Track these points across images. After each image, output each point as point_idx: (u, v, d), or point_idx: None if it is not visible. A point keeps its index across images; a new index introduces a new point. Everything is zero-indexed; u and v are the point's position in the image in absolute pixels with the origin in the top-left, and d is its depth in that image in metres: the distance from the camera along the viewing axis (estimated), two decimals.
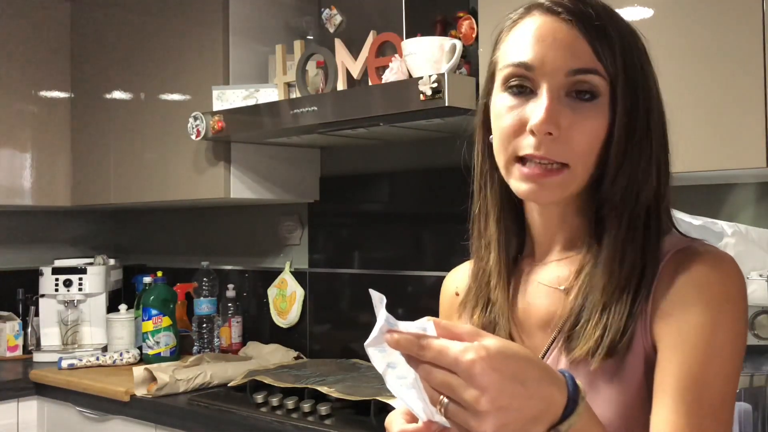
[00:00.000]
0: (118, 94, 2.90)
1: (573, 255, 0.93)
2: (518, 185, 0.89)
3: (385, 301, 0.71)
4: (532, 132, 0.86)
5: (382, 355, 0.74)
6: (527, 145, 0.87)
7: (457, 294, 1.05)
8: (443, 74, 1.75)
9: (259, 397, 2.09)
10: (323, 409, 1.96)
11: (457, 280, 1.08)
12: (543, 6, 0.89)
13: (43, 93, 3.03)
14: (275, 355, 2.63)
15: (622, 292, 0.85)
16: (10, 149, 2.95)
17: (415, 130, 2.18)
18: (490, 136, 0.94)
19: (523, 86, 0.88)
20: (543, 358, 0.90)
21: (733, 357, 0.85)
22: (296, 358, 2.65)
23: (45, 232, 3.39)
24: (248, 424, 2.00)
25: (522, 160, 0.88)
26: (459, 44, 1.86)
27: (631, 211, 0.88)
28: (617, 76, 0.86)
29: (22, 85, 2.97)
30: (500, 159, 0.91)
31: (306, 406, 1.98)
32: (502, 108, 0.89)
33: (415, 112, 1.86)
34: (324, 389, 2.01)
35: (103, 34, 2.95)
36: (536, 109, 0.86)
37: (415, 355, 0.68)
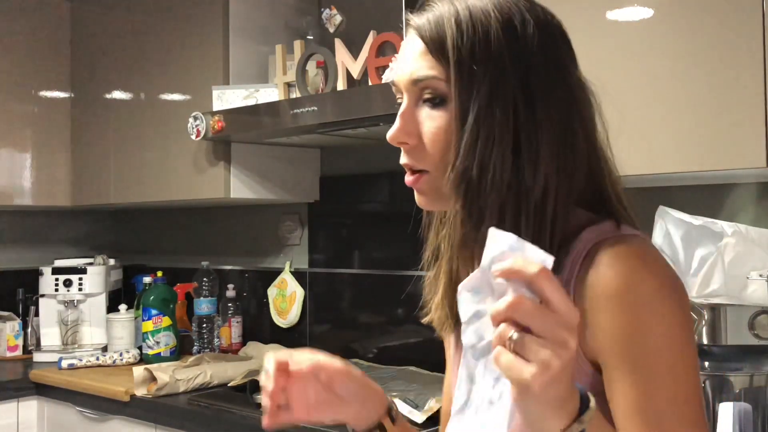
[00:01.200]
0: (118, 94, 2.90)
1: None
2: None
3: (509, 237, 0.67)
4: None
5: (476, 299, 0.70)
6: (402, 155, 0.92)
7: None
8: None
9: (259, 397, 2.08)
10: None
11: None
12: (407, 21, 0.93)
13: (43, 93, 3.03)
14: None
15: None
16: (10, 149, 2.95)
17: None
18: None
19: (401, 99, 0.92)
20: None
21: (677, 357, 0.79)
22: None
23: (45, 232, 3.39)
24: (248, 424, 2.00)
25: None
26: None
27: (474, 206, 0.85)
28: (451, 75, 0.86)
29: (22, 85, 2.97)
30: None
31: None
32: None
33: None
34: None
35: (103, 34, 2.95)
36: (395, 122, 0.90)
37: (528, 276, 0.64)
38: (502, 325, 0.64)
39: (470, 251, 0.89)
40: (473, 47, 0.85)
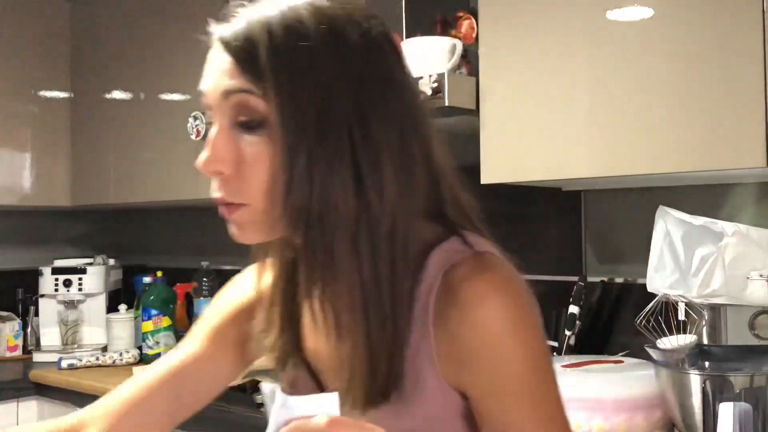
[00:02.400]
0: (118, 94, 2.90)
1: None
2: (229, 228, 0.82)
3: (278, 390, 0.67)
4: None
5: None
6: (214, 185, 0.80)
7: (259, 294, 0.93)
8: (443, 74, 1.75)
9: (259, 397, 2.09)
10: None
11: (263, 279, 0.94)
12: (209, 31, 0.83)
13: (43, 93, 3.03)
14: None
15: (351, 330, 0.77)
16: (10, 149, 2.95)
17: None
18: None
19: (212, 118, 0.81)
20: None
21: (542, 378, 0.80)
22: None
23: (45, 232, 3.39)
24: (248, 424, 2.00)
25: None
26: (459, 44, 1.86)
27: (318, 242, 0.76)
28: (271, 94, 0.75)
29: (22, 85, 2.97)
30: None
31: None
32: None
33: None
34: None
35: (103, 34, 2.94)
36: (205, 148, 0.79)
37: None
38: None
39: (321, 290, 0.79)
40: (293, 61, 0.76)
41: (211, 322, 1.02)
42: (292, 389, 0.91)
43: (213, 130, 0.79)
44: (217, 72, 0.79)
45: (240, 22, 0.79)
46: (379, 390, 0.77)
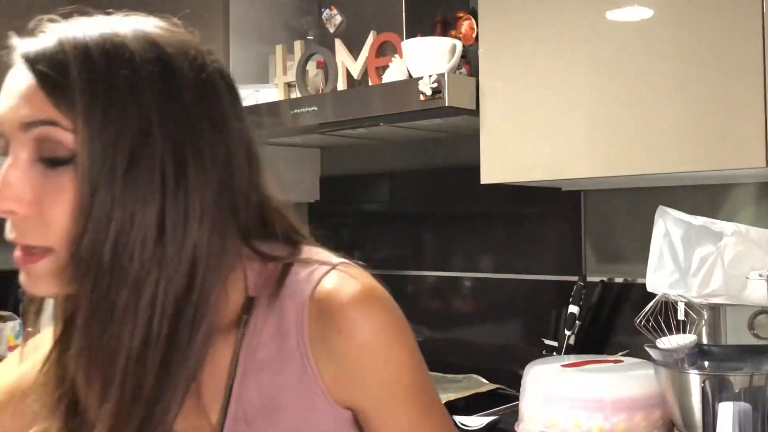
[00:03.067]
0: None
1: None
2: (20, 274, 0.72)
3: None
4: None
5: None
6: (7, 226, 0.70)
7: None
8: (443, 74, 1.75)
9: None
10: None
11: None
12: (12, 42, 0.72)
13: None
14: None
15: (112, 397, 0.68)
16: None
17: (415, 130, 2.18)
18: None
19: (4, 147, 0.70)
20: None
21: (423, 381, 0.81)
22: None
23: None
24: None
25: None
26: (459, 44, 1.86)
27: (105, 289, 0.67)
28: (80, 127, 0.66)
29: None
30: None
31: None
32: None
33: (415, 112, 1.86)
34: None
35: None
36: None
37: None
38: None
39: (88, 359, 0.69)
40: (111, 91, 0.66)
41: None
42: None
43: (6, 163, 0.68)
44: (17, 96, 0.68)
45: (50, 39, 0.69)
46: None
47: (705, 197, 1.84)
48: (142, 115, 0.67)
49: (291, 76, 2.25)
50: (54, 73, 0.66)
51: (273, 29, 2.56)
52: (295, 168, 2.67)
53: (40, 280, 0.71)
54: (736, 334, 1.61)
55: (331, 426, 0.79)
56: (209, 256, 0.71)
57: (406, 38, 1.99)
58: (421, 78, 1.78)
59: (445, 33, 1.98)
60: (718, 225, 1.57)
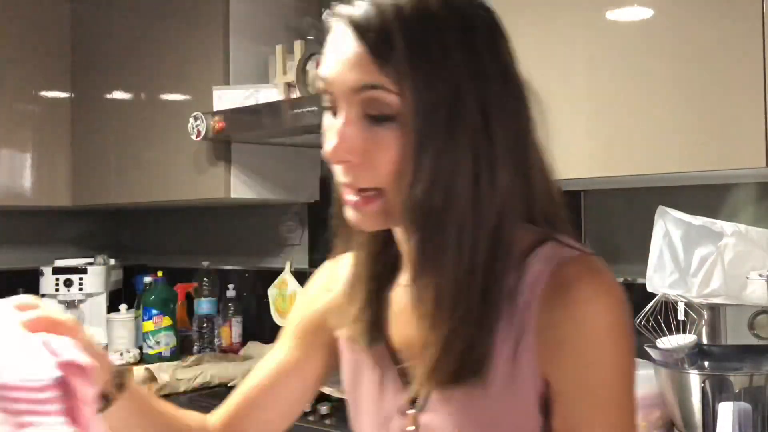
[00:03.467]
0: (118, 94, 2.90)
1: None
2: (346, 211, 0.84)
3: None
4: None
5: None
6: (338, 171, 0.82)
7: (330, 290, 0.99)
8: None
9: None
10: (323, 408, 1.97)
11: (335, 274, 1.00)
12: (335, 11, 0.81)
13: (43, 93, 3.03)
14: None
15: (446, 316, 0.78)
16: (10, 149, 2.95)
17: None
18: None
19: (332, 103, 0.80)
20: (405, 387, 0.88)
21: (625, 388, 0.81)
22: None
23: (45, 232, 3.39)
24: None
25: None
26: None
27: (433, 231, 0.78)
28: (407, 91, 0.75)
29: (22, 85, 2.96)
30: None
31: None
32: (324, 128, 0.82)
33: None
34: (324, 389, 2.01)
35: (103, 34, 2.95)
36: (330, 135, 0.80)
37: None
38: None
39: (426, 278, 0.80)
40: (428, 58, 0.75)
41: (296, 326, 1.03)
42: (374, 364, 0.92)
43: (339, 119, 0.79)
44: (346, 62, 0.77)
45: (372, 8, 0.77)
46: (453, 373, 0.79)
47: (705, 197, 1.84)
48: (454, 75, 0.76)
49: (291, 76, 2.25)
50: (381, 41, 0.75)
51: (273, 29, 2.56)
52: (295, 168, 2.67)
53: (369, 218, 0.81)
54: (736, 334, 1.61)
55: (527, 390, 0.80)
56: (512, 197, 0.79)
57: None
58: None
59: None
60: (718, 225, 1.57)
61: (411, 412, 0.87)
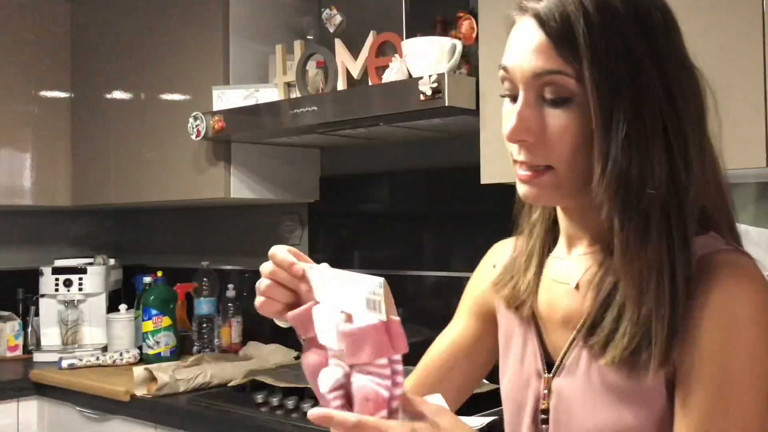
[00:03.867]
0: (118, 94, 2.90)
1: (596, 251, 0.91)
2: (518, 187, 0.90)
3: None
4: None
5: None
6: (514, 150, 0.88)
7: (495, 266, 1.06)
8: (443, 74, 1.75)
9: (259, 397, 2.09)
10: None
11: (500, 253, 1.08)
12: (521, 5, 0.87)
13: (43, 93, 3.03)
14: (275, 355, 2.63)
15: (652, 298, 0.81)
16: (10, 149, 2.95)
17: (415, 130, 2.18)
18: None
19: (511, 90, 0.87)
20: (564, 355, 0.91)
21: (752, 385, 0.79)
22: (296, 358, 2.65)
23: (45, 232, 3.39)
24: (248, 424, 2.00)
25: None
26: (459, 44, 1.86)
27: (634, 208, 0.82)
28: (587, 75, 0.81)
29: (22, 85, 2.97)
30: None
31: (306, 406, 1.98)
32: (503, 113, 0.89)
33: (415, 112, 1.86)
34: None
35: (103, 34, 2.95)
36: (509, 117, 0.86)
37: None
38: None
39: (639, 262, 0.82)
40: (608, 42, 0.80)
41: (472, 298, 1.10)
42: (522, 329, 0.98)
43: (518, 103, 0.85)
44: (529, 51, 0.83)
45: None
46: (638, 353, 0.81)
47: None
48: (633, 59, 0.80)
49: (291, 76, 2.25)
50: (563, 31, 0.81)
51: (273, 29, 2.56)
52: (295, 168, 2.67)
53: (540, 192, 0.87)
54: None
55: (662, 375, 0.81)
56: (704, 176, 0.85)
57: (406, 38, 1.99)
58: (421, 78, 1.77)
59: (445, 33, 1.98)
60: None
61: (546, 376, 0.93)
